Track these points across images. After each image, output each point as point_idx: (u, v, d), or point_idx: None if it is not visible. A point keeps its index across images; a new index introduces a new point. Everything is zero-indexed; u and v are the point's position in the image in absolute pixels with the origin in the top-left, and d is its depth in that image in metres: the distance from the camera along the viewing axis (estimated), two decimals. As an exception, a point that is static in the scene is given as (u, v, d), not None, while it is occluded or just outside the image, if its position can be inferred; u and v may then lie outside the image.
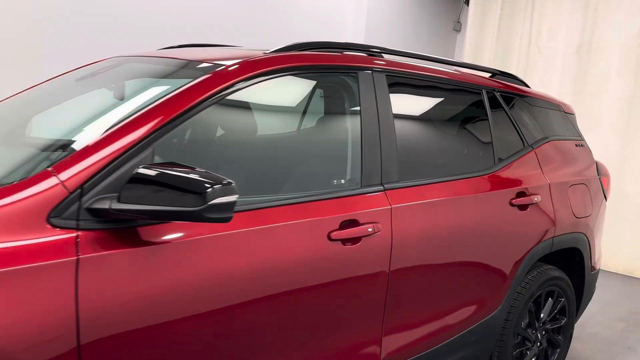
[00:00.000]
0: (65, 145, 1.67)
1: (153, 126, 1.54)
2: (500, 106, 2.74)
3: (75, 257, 1.32)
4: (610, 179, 3.46)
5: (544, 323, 2.88)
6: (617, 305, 4.59)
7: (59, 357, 1.29)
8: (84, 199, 1.38)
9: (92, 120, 1.84)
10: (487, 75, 2.99)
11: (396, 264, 2.01)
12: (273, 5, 5.64)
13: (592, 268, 3.22)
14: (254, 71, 1.78)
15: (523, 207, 2.59)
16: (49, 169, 1.39)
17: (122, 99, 2.00)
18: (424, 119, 2.49)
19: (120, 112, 1.73)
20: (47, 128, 2.05)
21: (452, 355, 2.38)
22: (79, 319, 1.31)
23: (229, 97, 1.72)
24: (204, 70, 1.78)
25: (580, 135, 3.35)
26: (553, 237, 2.79)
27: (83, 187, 1.39)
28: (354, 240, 1.88)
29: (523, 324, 2.74)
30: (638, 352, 3.66)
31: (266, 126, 2.04)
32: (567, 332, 3.03)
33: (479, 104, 2.64)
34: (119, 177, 1.43)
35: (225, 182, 1.35)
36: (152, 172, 1.37)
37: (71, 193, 1.36)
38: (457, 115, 2.67)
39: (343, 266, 1.85)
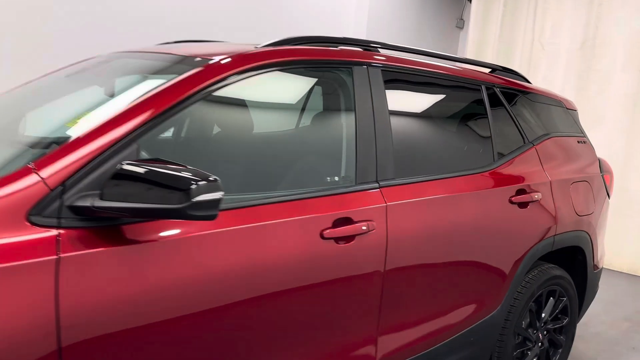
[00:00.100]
0: (50, 142, 1.63)
1: (139, 122, 1.50)
2: (500, 102, 2.69)
3: (55, 256, 1.28)
4: (613, 176, 3.40)
5: (545, 323, 2.83)
6: (621, 304, 4.52)
7: (39, 360, 1.25)
8: (66, 196, 1.34)
9: (80, 117, 1.80)
10: (487, 70, 2.94)
11: (392, 263, 1.97)
12: (273, 3, 5.59)
13: (595, 267, 3.17)
14: (243, 66, 1.74)
15: (523, 205, 2.53)
16: (30, 165, 1.35)
17: (112, 94, 1.97)
18: (421, 115, 2.44)
19: (108, 108, 1.70)
20: (36, 125, 2.02)
21: (451, 355, 2.33)
22: (59, 320, 1.27)
23: (217, 93, 1.68)
24: (193, 66, 1.74)
25: (582, 131, 3.29)
26: (554, 236, 2.74)
27: (65, 184, 1.35)
28: (348, 238, 1.83)
29: (524, 324, 2.69)
30: (642, 352, 3.60)
31: (258, 122, 2.00)
32: (569, 332, 2.98)
33: (478, 99, 2.59)
34: (103, 174, 1.40)
35: (210, 178, 1.31)
36: (135, 169, 1.33)
37: (52, 190, 1.32)
38: (455, 111, 2.62)
39: (336, 265, 1.81)
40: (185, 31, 4.51)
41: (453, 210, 2.22)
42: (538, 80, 6.02)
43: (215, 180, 1.32)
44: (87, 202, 1.34)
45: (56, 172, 1.34)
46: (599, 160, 3.29)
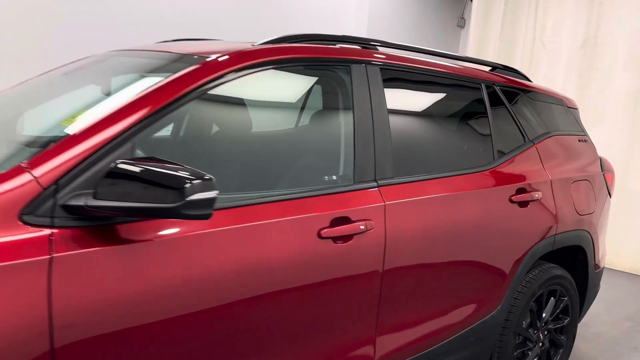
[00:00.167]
0: (45, 141, 1.61)
1: (134, 120, 1.48)
2: (500, 100, 2.67)
3: (48, 256, 1.26)
4: (614, 176, 3.38)
5: (546, 323, 2.81)
6: (623, 304, 4.50)
7: (31, 362, 1.24)
8: (59, 195, 1.33)
9: (75, 115, 1.78)
10: (487, 69, 2.93)
11: (390, 263, 1.95)
12: (273, 3, 5.58)
13: (596, 266, 3.15)
14: (240, 64, 1.72)
15: (523, 204, 2.51)
16: (23, 164, 1.34)
17: (108, 93, 1.95)
18: (420, 113, 2.42)
19: (103, 106, 1.68)
20: (32, 124, 2.00)
21: (451, 355, 2.31)
22: (52, 321, 1.26)
23: (214, 91, 1.67)
24: (190, 63, 1.72)
25: (583, 130, 3.27)
26: (555, 235, 2.72)
27: (58, 183, 1.33)
28: (345, 238, 1.81)
29: (524, 324, 2.67)
30: (644, 352, 3.58)
31: (255, 121, 1.98)
32: (570, 332, 2.96)
33: (478, 98, 2.57)
34: (97, 172, 1.38)
35: (205, 177, 1.30)
36: (128, 167, 1.32)
37: (45, 189, 1.31)
38: (455, 109, 2.60)
39: (334, 265, 1.79)
40: (185, 31, 4.47)
41: (452, 210, 2.20)
42: (539, 79, 5.99)
43: (210, 179, 1.30)
44: (80, 201, 1.33)
45: (49, 171, 1.33)
46: (600, 159, 3.27)
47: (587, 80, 5.80)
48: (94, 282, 1.33)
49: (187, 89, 1.58)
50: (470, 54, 6.87)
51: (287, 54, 1.86)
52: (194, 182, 1.27)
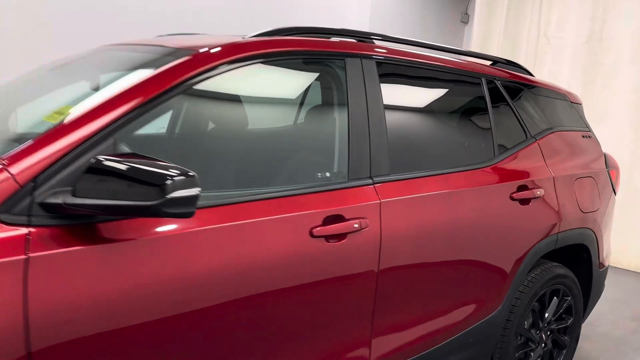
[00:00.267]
0: (27, 138, 1.57)
1: (117, 115, 1.43)
2: (501, 95, 2.60)
3: (24, 256, 1.21)
4: (619, 172, 3.31)
5: (548, 323, 2.74)
6: (629, 303, 4.42)
7: (7, 367, 1.19)
8: (37, 193, 1.28)
9: (59, 111, 1.73)
10: (489, 63, 2.86)
11: (386, 262, 1.89)
12: (274, 1, 5.52)
13: (601, 265, 3.08)
14: (229, 57, 1.66)
15: (525, 202, 2.45)
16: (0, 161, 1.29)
17: (97, 88, 1.90)
18: (418, 108, 2.36)
19: (87, 101, 1.63)
20: (20, 120, 1.96)
21: (449, 357, 2.26)
22: (28, 324, 1.21)
23: (200, 86, 1.61)
24: (179, 57, 1.66)
25: (587, 126, 3.19)
26: (558, 233, 2.65)
27: (36, 180, 1.28)
28: (339, 236, 1.76)
29: (526, 325, 2.61)
30: (650, 353, 3.51)
31: (246, 116, 1.92)
32: (573, 333, 2.89)
33: (478, 92, 2.51)
34: (77, 169, 1.33)
35: (186, 173, 1.24)
36: (107, 163, 1.27)
37: (22, 187, 1.26)
38: (454, 104, 2.53)
39: (326, 264, 1.74)
40: (186, 30, 4.44)
41: (451, 207, 2.14)
42: (544, 75, 5.91)
43: (193, 175, 1.25)
44: (59, 199, 1.28)
45: (27, 168, 1.28)
46: (605, 155, 3.19)
47: (592, 76, 5.72)
48: (73, 283, 1.28)
49: (173, 84, 1.53)
50: (474, 50, 6.80)
51: (278, 47, 1.80)
52: (176, 178, 1.22)
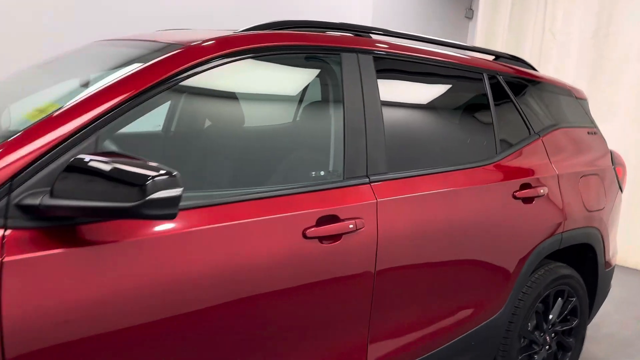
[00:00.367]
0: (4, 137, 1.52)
1: (99, 112, 1.37)
2: (503, 91, 2.53)
3: (-2, 260, 1.16)
4: (626, 169, 3.22)
5: (553, 325, 2.67)
6: (636, 303, 4.33)
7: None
8: (14, 194, 1.22)
9: (42, 108, 1.68)
10: (491, 58, 2.79)
11: (383, 264, 1.83)
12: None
13: (607, 265, 3.00)
14: (216, 52, 1.60)
15: (528, 200, 2.38)
16: (-25, 161, 1.23)
17: (85, 84, 1.85)
18: (417, 105, 2.29)
19: (70, 98, 1.57)
20: (7, 118, 1.91)
21: (450, 361, 2.19)
22: (2, 330, 1.16)
23: (187, 83, 1.55)
24: (161, 54, 1.60)
25: (593, 122, 3.11)
26: (562, 233, 2.58)
27: (13, 180, 1.23)
28: (334, 237, 1.70)
29: (530, 326, 2.54)
30: (657, 354, 3.43)
31: (237, 113, 1.86)
32: (578, 334, 2.82)
33: (480, 88, 2.44)
34: (56, 169, 1.28)
35: (168, 173, 1.19)
36: (86, 162, 1.21)
37: (-2, 188, 1.21)
38: (454, 101, 2.46)
39: (320, 266, 1.68)
40: (185, 24, 4.39)
41: (451, 207, 2.07)
42: (549, 71, 5.82)
43: (174, 175, 1.19)
44: (36, 201, 1.22)
45: (2, 169, 1.23)
46: (611, 152, 3.12)
47: (598, 72, 5.62)
48: (51, 288, 1.23)
49: (157, 80, 1.47)
50: (478, 45, 6.71)
51: (269, 41, 1.74)
52: (157, 178, 1.17)
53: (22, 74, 2.13)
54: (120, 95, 1.42)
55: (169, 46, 1.73)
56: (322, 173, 1.82)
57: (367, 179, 1.85)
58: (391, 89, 2.08)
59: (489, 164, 2.30)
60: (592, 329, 3.50)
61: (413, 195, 1.95)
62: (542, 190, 2.44)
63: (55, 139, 1.30)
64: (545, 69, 5.88)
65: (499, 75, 2.54)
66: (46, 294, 1.21)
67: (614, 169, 3.04)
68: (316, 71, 2.01)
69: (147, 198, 1.15)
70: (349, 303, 1.78)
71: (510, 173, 2.36)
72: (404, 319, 1.98)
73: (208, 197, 1.53)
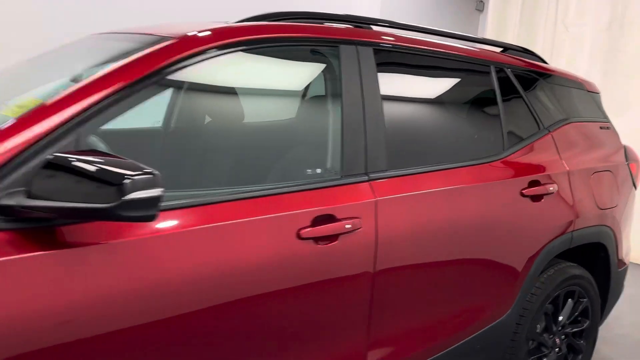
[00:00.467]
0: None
1: (80, 108, 1.31)
2: (511, 84, 2.43)
3: (-29, 263, 1.10)
4: (640, 165, 3.11)
5: (563, 327, 2.58)
6: (650, 302, 4.22)
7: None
8: (-11, 194, 1.17)
9: (23, 105, 1.62)
10: (498, 50, 2.69)
11: (382, 266, 1.75)
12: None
13: (620, 264, 2.90)
14: (205, 45, 1.53)
15: (537, 198, 2.28)
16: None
17: (74, 79, 1.79)
18: (419, 99, 2.20)
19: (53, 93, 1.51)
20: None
21: (454, 364, 2.11)
22: (-25, 337, 1.11)
23: (175, 77, 1.49)
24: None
25: (605, 116, 3.00)
26: (573, 231, 2.48)
27: (-12, 180, 1.17)
28: (330, 238, 1.62)
29: (538, 329, 2.45)
30: (672, 356, 3.32)
31: (229, 108, 1.79)
32: (590, 336, 2.72)
33: (486, 81, 2.34)
34: (34, 168, 1.22)
35: (148, 172, 1.12)
36: (65, 161, 1.16)
37: (-28, 188, 1.15)
38: (459, 94, 2.37)
39: (315, 268, 1.60)
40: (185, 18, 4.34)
41: (454, 205, 1.99)
42: (561, 64, 5.68)
43: (154, 174, 1.13)
44: (12, 201, 1.17)
45: None
46: (625, 147, 3.00)
47: (612, 65, 5.49)
48: (29, 292, 1.17)
49: (141, 75, 1.41)
50: (489, 38, 6.58)
51: (263, 33, 1.67)
52: (135, 178, 1.10)
53: (10, 69, 2.08)
54: (105, 89, 1.36)
55: (163, 39, 1.67)
56: (318, 170, 1.75)
57: (366, 177, 1.77)
58: (392, 83, 2.00)
59: (496, 160, 2.21)
60: (604, 329, 3.40)
61: (415, 193, 1.87)
62: (551, 188, 2.34)
63: (34, 136, 1.24)
64: (558, 62, 5.74)
65: (507, 68, 2.44)
66: (23, 298, 1.16)
67: (628, 165, 2.93)
68: (314, 64, 1.93)
69: (124, 199, 1.09)
70: (346, 307, 1.71)
71: (518, 170, 2.27)
72: (405, 324, 1.90)
73: (196, 196, 1.46)
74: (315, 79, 1.94)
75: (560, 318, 2.56)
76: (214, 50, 1.55)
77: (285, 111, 1.99)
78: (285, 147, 1.81)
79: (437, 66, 2.21)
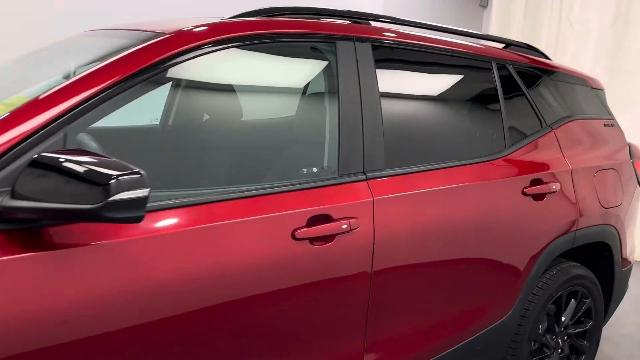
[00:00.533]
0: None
1: (67, 106, 1.28)
2: (513, 81, 2.39)
3: (-47, 266, 1.08)
4: (645, 163, 3.06)
5: (565, 327, 2.54)
6: (655, 302, 4.17)
7: None
8: (-27, 195, 1.14)
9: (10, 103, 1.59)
10: (500, 46, 2.64)
11: (380, 267, 1.72)
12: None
13: (624, 263, 2.85)
14: (198, 41, 1.50)
15: (539, 197, 2.24)
16: None
17: (67, 76, 1.76)
18: (418, 96, 2.16)
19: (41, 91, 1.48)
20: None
21: (455, 366, 2.08)
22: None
23: (165, 74, 1.46)
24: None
25: (610, 113, 2.96)
26: (576, 231, 2.44)
27: (-28, 180, 1.15)
28: (326, 239, 1.59)
29: (540, 329, 2.42)
30: (677, 357, 3.27)
31: (222, 106, 1.76)
32: (593, 337, 2.68)
33: (488, 78, 2.30)
34: (18, 168, 1.19)
35: (133, 172, 1.09)
36: (50, 160, 1.12)
37: (-44, 189, 1.12)
38: (459, 91, 2.32)
39: (311, 269, 1.57)
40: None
41: (454, 205, 1.95)
42: (566, 61, 5.62)
43: (141, 174, 1.10)
44: (-4, 202, 1.14)
45: None
46: (629, 145, 2.96)
47: (617, 61, 5.42)
48: (14, 295, 1.14)
49: (133, 71, 1.38)
50: (492, 34, 6.52)
51: (258, 28, 1.63)
52: (121, 178, 1.07)
53: (2, 66, 2.05)
54: (96, 86, 1.33)
55: (158, 35, 1.63)
56: (314, 169, 1.71)
57: (364, 176, 1.74)
58: (391, 80, 1.96)
59: (497, 158, 2.17)
60: (608, 329, 3.36)
61: (413, 192, 1.83)
62: (554, 187, 2.30)
63: (18, 135, 1.21)
64: (562, 59, 5.69)
65: (509, 64, 2.40)
66: (9, 301, 1.13)
67: (632, 162, 2.89)
68: (310, 60, 1.90)
69: (109, 199, 1.05)
70: (342, 309, 1.67)
71: (520, 168, 2.23)
72: (404, 325, 1.87)
73: (190, 195, 1.43)
74: (312, 76, 1.90)
75: (563, 318, 2.52)
76: (209, 45, 1.52)
77: (281, 109, 1.96)
78: (281, 145, 1.78)
79: (436, 62, 2.17)
